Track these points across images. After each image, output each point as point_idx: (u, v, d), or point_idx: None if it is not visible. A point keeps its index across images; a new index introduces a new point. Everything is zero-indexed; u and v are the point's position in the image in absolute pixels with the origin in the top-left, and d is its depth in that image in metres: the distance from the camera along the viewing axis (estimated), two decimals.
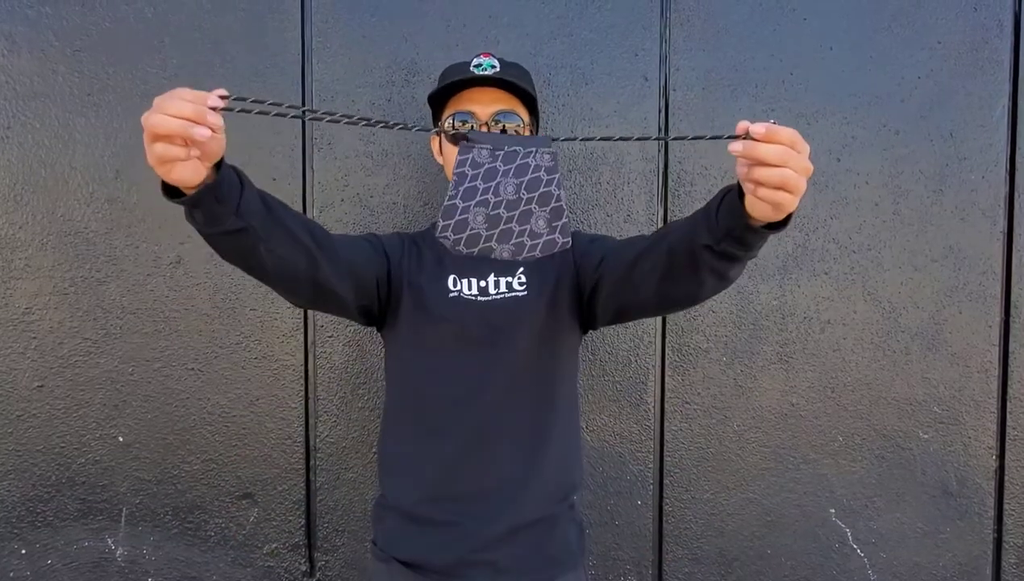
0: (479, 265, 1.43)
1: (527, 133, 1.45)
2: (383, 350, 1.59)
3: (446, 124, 1.42)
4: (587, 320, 1.46)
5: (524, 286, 1.42)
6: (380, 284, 1.40)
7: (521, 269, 1.44)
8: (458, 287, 1.42)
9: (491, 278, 1.42)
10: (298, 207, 1.82)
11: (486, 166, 0.99)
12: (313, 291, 1.25)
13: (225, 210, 1.06)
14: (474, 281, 1.42)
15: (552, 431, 1.43)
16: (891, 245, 1.88)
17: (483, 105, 1.41)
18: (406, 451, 1.44)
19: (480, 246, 1.02)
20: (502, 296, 1.42)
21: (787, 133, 0.93)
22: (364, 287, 1.36)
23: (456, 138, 1.38)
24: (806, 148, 0.95)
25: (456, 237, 1.02)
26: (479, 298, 1.41)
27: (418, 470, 1.42)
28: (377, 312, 1.43)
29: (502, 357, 1.39)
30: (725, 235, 1.06)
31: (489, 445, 1.39)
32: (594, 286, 1.37)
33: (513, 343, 1.39)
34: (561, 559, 1.44)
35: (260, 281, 1.21)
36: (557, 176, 1.00)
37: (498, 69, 1.43)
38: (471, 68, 1.43)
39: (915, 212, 1.88)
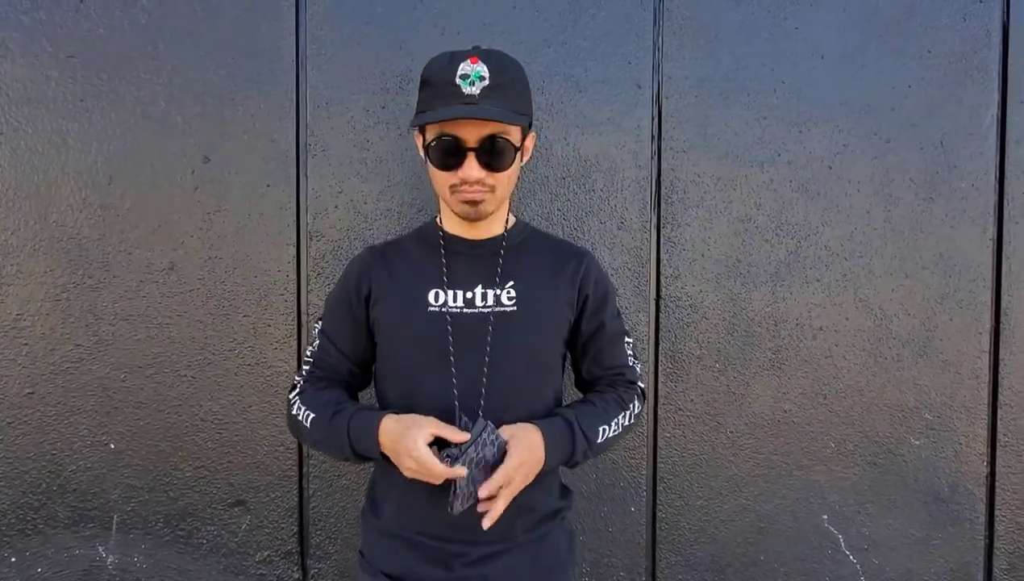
0: (465, 277, 1.42)
1: (516, 156, 1.38)
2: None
3: (432, 145, 1.36)
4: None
5: (513, 301, 1.41)
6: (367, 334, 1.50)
7: (511, 283, 1.43)
8: (440, 301, 1.41)
9: (479, 290, 1.41)
10: (292, 213, 1.82)
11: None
12: None
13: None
14: (460, 293, 1.41)
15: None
16: (882, 252, 1.89)
17: (472, 128, 1.33)
18: (393, 472, 1.39)
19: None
20: (489, 309, 1.40)
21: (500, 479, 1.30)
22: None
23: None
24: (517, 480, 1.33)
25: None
26: (464, 310, 1.40)
27: (405, 490, 1.40)
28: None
29: (487, 371, 1.37)
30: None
31: None
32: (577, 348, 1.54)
33: (497, 357, 1.38)
34: (551, 568, 1.45)
35: None
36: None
37: (487, 81, 1.31)
38: (456, 79, 1.31)
39: (906, 220, 1.89)
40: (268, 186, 1.82)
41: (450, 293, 1.41)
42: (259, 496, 1.85)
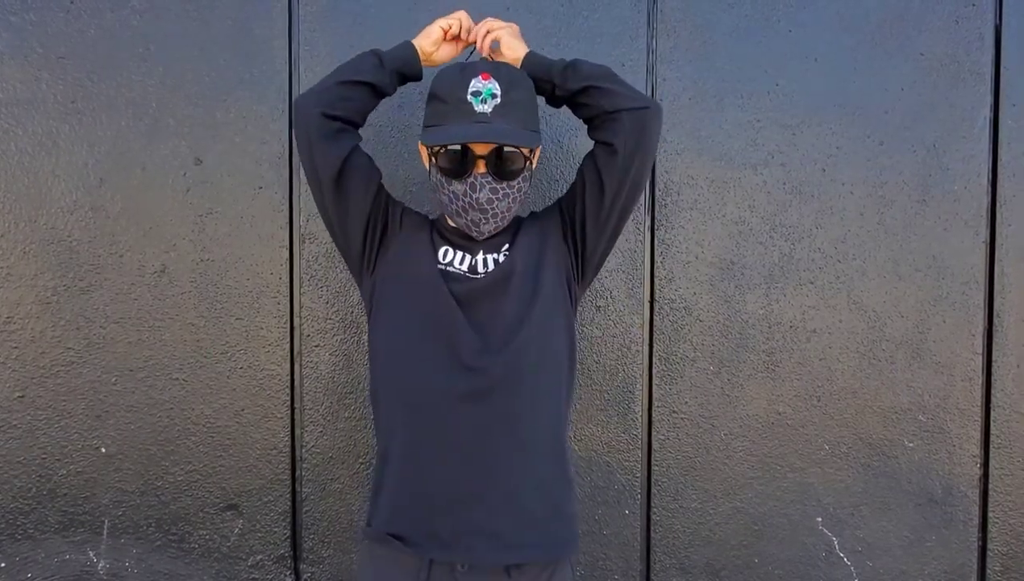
0: (468, 243, 1.47)
1: (525, 165, 1.41)
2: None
3: (439, 152, 1.40)
4: (591, 254, 1.50)
5: (505, 262, 1.46)
6: (362, 187, 1.46)
7: (506, 246, 1.47)
8: (448, 259, 1.46)
9: (480, 256, 1.46)
10: (285, 215, 1.81)
11: None
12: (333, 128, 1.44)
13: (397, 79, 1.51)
14: (467, 257, 1.46)
15: (550, 399, 1.46)
16: (875, 255, 1.89)
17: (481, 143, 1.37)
18: (398, 432, 1.45)
19: None
20: (485, 273, 1.45)
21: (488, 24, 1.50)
22: (350, 172, 1.44)
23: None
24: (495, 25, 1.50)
25: None
26: (467, 274, 1.45)
27: (412, 452, 1.43)
28: (362, 226, 1.47)
29: (489, 329, 1.41)
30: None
31: (481, 415, 1.40)
32: (584, 196, 1.47)
33: (500, 314, 1.41)
34: (563, 546, 1.46)
35: (338, 107, 1.44)
36: None
37: (499, 100, 1.35)
38: (468, 96, 1.35)
39: (899, 222, 1.89)
40: (260, 188, 1.81)
41: (457, 253, 1.47)
42: (252, 500, 1.84)
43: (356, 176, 1.46)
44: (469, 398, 1.40)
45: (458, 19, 1.51)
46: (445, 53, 1.52)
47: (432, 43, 1.49)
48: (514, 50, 1.47)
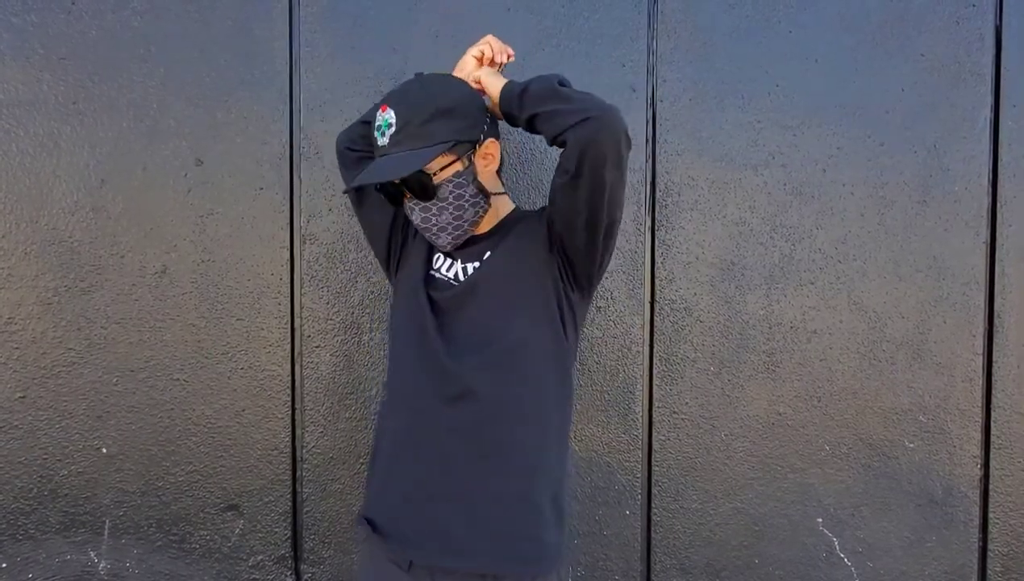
0: (456, 250, 1.50)
1: (435, 180, 1.37)
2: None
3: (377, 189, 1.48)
4: (578, 266, 1.44)
5: (476, 272, 1.47)
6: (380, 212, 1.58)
7: (488, 254, 1.48)
8: (438, 265, 1.51)
9: (460, 264, 1.49)
10: (286, 216, 1.81)
11: None
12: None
13: None
14: (454, 264, 1.49)
15: (524, 408, 1.43)
16: (876, 255, 1.89)
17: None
18: (386, 432, 1.51)
19: None
20: (465, 280, 1.47)
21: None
22: (368, 192, 1.56)
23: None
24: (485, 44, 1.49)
25: None
26: (452, 282, 1.48)
27: (394, 451, 1.47)
28: (386, 239, 1.59)
29: (461, 336, 1.43)
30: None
31: (451, 420, 1.41)
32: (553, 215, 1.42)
33: (471, 321, 1.43)
34: (529, 562, 1.41)
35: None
36: None
37: (394, 128, 1.34)
38: (375, 132, 1.39)
39: (899, 222, 1.89)
40: (261, 189, 1.81)
41: (446, 261, 1.50)
42: (252, 500, 1.84)
43: (374, 195, 1.54)
44: (440, 402, 1.41)
45: (487, 43, 1.48)
46: (491, 81, 1.43)
47: (467, 75, 1.46)
48: (494, 88, 1.41)
